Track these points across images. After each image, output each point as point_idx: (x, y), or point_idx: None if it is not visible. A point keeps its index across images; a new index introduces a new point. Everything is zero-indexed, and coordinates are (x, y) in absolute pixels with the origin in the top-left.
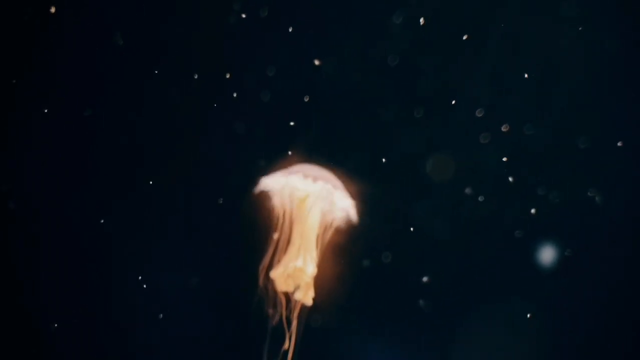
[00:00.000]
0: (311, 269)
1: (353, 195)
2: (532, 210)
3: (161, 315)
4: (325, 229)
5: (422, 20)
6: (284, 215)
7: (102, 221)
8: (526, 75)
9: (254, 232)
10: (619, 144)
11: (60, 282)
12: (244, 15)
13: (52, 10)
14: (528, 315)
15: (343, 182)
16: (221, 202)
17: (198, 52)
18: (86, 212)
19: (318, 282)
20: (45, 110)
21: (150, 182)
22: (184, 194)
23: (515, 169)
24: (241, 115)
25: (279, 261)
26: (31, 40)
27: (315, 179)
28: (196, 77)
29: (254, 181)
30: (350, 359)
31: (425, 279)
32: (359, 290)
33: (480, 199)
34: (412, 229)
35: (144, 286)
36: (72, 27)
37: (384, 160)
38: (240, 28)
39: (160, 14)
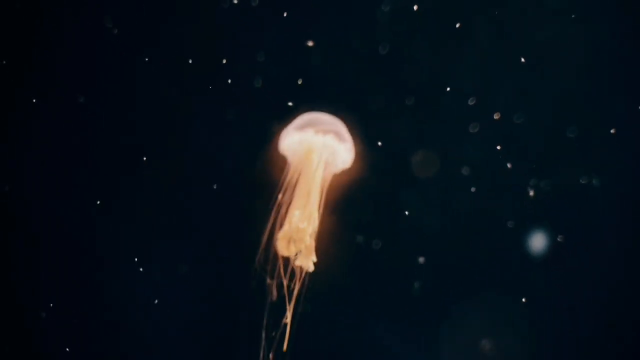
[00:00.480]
0: (313, 231)
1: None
2: (531, 193)
3: (156, 300)
4: (328, 186)
5: (415, 7)
6: (290, 173)
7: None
8: (522, 60)
9: (259, 194)
10: (612, 131)
11: (58, 280)
12: (235, 1)
13: None
14: (523, 300)
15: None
16: (215, 187)
17: (191, 38)
18: (84, 206)
19: (319, 246)
20: (39, 106)
21: (145, 158)
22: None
23: (509, 157)
24: (235, 100)
25: (281, 224)
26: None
27: (324, 133)
28: (190, 62)
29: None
30: (350, 333)
31: (421, 259)
32: (353, 267)
33: (473, 189)
34: (406, 212)
35: (140, 269)
36: (64, 20)
37: (379, 144)
38: (232, 12)
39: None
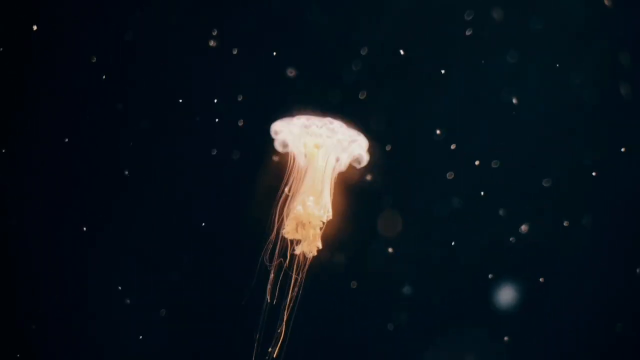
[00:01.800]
0: (322, 215)
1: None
2: (512, 238)
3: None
4: (336, 178)
5: (402, 52)
6: (296, 166)
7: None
8: (515, 101)
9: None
10: (594, 173)
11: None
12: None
13: (34, 28)
14: (505, 339)
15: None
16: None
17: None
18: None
19: (326, 232)
20: (45, 111)
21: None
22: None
23: (493, 202)
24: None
25: (290, 207)
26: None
27: (331, 129)
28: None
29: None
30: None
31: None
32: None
33: (453, 243)
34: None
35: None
36: (70, 32)
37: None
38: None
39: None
